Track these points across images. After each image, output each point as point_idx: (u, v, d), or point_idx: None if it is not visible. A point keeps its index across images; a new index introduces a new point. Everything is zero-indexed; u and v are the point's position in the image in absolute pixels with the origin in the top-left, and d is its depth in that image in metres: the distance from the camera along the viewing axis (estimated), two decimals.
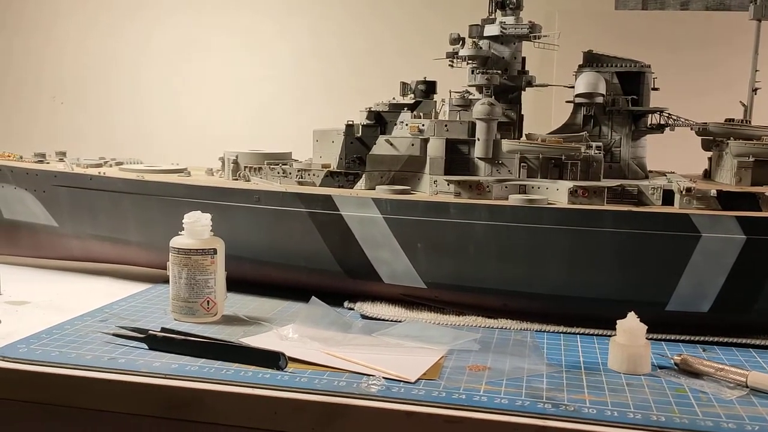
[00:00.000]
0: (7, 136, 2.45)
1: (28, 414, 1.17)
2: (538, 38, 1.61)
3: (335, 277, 1.56)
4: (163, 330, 1.28)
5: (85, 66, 2.52)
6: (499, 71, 1.61)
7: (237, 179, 1.74)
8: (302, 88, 2.44)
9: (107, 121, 2.52)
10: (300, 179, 1.66)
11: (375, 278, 1.53)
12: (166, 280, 1.75)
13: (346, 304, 1.56)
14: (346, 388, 1.10)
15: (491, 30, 1.62)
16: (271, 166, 1.70)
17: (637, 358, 1.20)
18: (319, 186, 1.64)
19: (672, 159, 1.71)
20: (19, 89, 2.58)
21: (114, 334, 1.29)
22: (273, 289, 1.64)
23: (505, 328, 1.44)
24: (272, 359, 1.17)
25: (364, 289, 1.57)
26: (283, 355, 1.17)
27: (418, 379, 1.13)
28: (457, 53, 1.66)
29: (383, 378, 1.12)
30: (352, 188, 1.62)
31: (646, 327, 1.21)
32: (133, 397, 1.13)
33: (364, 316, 1.50)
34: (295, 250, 1.59)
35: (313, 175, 1.66)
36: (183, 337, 1.24)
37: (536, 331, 1.42)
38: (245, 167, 1.74)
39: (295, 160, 1.79)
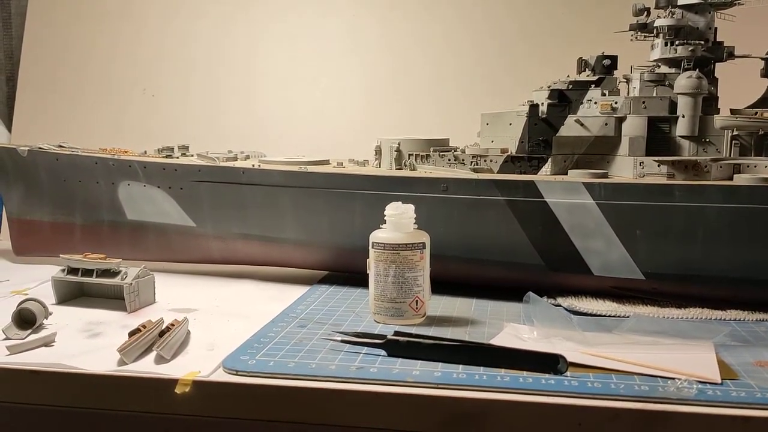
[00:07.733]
0: (94, 131, 2.28)
1: None
2: (740, 4, 1.49)
3: (534, 270, 1.43)
4: (397, 334, 1.14)
5: (182, 60, 2.35)
6: (702, 42, 1.48)
7: (401, 168, 1.60)
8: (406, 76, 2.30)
9: (198, 115, 2.35)
10: (475, 165, 1.53)
11: (583, 270, 1.40)
12: (321, 281, 1.62)
13: (544, 299, 1.43)
14: (651, 392, 0.96)
15: None
16: (441, 153, 1.56)
17: None
18: (497, 173, 1.50)
19: None
20: (109, 83, 2.40)
21: (343, 341, 1.15)
22: (454, 287, 1.50)
23: (739, 320, 1.32)
24: (548, 363, 1.03)
25: (566, 282, 1.44)
26: (563, 357, 1.03)
27: (723, 379, 1.00)
28: (645, 25, 1.53)
29: (695, 381, 0.98)
30: (536, 174, 1.49)
31: None
32: (402, 411, 0.99)
33: (576, 312, 1.37)
34: (487, 243, 1.45)
35: (490, 161, 1.52)
36: (433, 342, 1.10)
37: None
38: (409, 155, 1.60)
39: (454, 147, 1.65)
